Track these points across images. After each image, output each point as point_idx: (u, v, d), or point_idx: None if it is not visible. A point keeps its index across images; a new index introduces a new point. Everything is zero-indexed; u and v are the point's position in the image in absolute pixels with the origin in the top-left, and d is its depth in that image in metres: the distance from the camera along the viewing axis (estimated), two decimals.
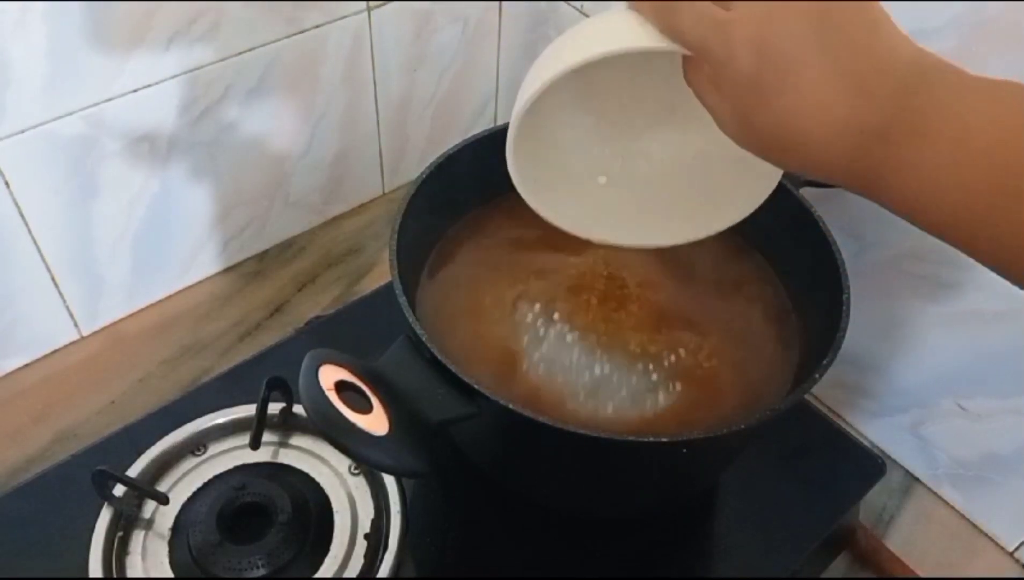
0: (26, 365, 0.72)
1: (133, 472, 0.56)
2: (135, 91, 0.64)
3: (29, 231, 0.65)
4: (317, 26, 0.71)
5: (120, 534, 0.54)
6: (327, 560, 0.53)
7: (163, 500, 0.55)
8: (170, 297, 0.78)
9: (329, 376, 0.40)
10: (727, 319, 0.55)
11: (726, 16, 0.34)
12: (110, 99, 0.63)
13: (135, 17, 0.61)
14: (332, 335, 0.69)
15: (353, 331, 0.69)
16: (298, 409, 0.59)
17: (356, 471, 0.58)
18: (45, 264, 0.67)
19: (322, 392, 0.39)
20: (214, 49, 0.66)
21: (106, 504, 0.54)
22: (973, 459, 0.64)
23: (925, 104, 0.32)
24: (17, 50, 0.57)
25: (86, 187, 0.66)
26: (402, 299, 0.46)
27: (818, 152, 0.34)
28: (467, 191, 0.58)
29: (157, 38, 0.63)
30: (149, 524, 0.55)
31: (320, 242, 0.85)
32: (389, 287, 0.47)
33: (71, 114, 0.62)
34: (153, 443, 0.57)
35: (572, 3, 0.77)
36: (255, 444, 0.58)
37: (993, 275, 0.32)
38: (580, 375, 0.52)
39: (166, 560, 0.53)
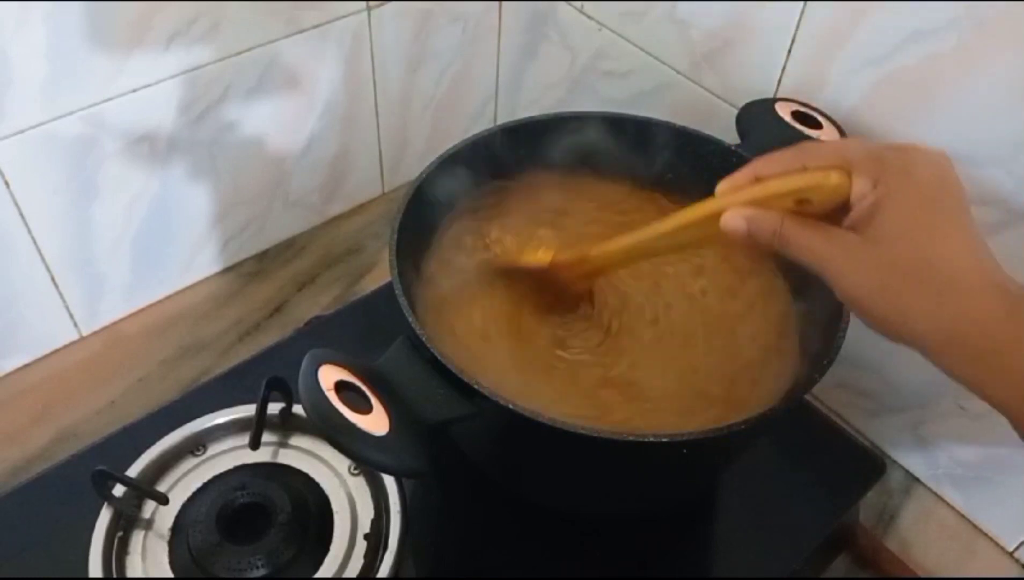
0: (26, 365, 0.72)
1: (133, 472, 0.56)
2: (135, 91, 0.64)
3: (29, 231, 0.65)
4: (317, 26, 0.71)
5: (120, 534, 0.54)
6: (327, 560, 0.53)
7: (163, 500, 0.55)
8: (170, 297, 0.78)
9: (329, 376, 0.40)
10: (727, 318, 0.55)
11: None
12: (110, 99, 0.63)
13: (135, 17, 0.61)
14: (332, 335, 0.69)
15: (353, 331, 0.69)
16: (298, 409, 0.59)
17: (356, 471, 0.58)
18: (45, 264, 0.67)
19: (322, 392, 0.39)
20: (214, 49, 0.66)
21: (106, 504, 0.54)
22: (973, 459, 0.64)
23: None
24: (17, 50, 0.57)
25: (86, 187, 0.66)
26: (402, 299, 0.46)
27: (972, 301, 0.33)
28: (467, 191, 0.58)
29: (157, 38, 0.63)
30: (149, 524, 0.55)
31: (320, 242, 0.85)
32: (389, 287, 0.47)
33: (71, 114, 0.62)
34: (153, 443, 0.57)
35: (572, 3, 0.77)
36: (255, 444, 0.58)
37: None
38: (581, 373, 0.52)
39: (166, 560, 0.53)
